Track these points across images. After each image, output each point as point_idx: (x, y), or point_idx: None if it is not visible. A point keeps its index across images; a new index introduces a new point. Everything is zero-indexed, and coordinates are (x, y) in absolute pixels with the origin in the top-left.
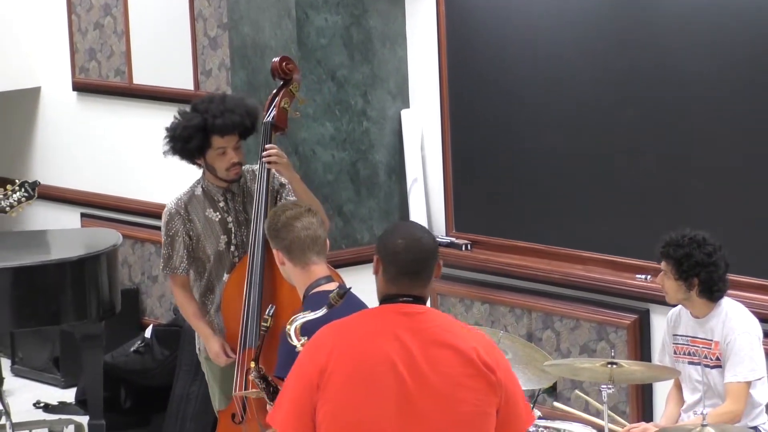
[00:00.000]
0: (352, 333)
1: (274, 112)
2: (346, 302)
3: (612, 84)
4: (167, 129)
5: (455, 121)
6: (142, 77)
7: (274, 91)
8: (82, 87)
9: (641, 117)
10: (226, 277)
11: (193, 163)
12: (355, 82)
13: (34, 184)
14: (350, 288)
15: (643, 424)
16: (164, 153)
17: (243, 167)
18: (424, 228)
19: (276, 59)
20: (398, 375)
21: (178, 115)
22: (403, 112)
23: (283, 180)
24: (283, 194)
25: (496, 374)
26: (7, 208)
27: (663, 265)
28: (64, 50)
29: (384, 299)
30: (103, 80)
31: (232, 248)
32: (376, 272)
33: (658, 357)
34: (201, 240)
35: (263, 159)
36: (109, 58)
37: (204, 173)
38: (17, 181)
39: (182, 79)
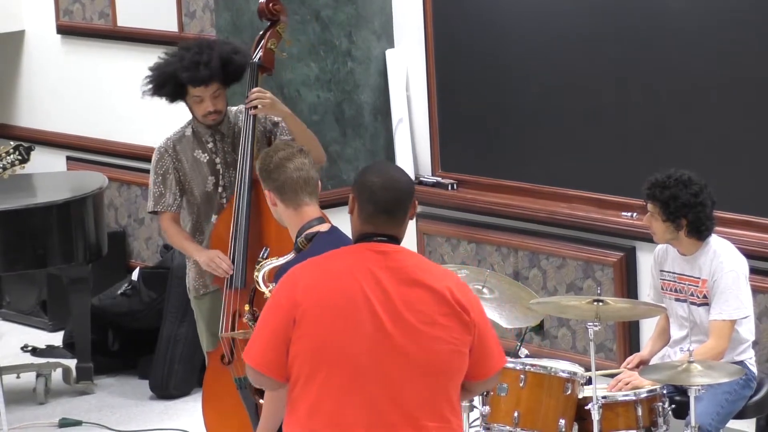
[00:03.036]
0: (327, 269)
1: (260, 53)
2: (329, 238)
3: (598, 21)
4: (149, 68)
5: (440, 60)
6: (126, 19)
7: (261, 32)
8: (66, 30)
9: (628, 53)
10: (214, 218)
11: (179, 102)
12: (340, 22)
13: (29, 149)
14: (331, 228)
15: (627, 373)
16: (142, 93)
17: (234, 108)
18: (401, 168)
19: (262, 0)
20: (373, 311)
21: (162, 56)
22: (388, 52)
23: (277, 118)
24: (277, 133)
25: (469, 314)
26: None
27: (649, 206)
28: None
29: (359, 238)
30: (87, 23)
31: (220, 189)
32: (351, 211)
33: (647, 291)
34: (189, 181)
35: (246, 106)
36: (93, 1)
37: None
38: (11, 143)
39: (166, 21)
